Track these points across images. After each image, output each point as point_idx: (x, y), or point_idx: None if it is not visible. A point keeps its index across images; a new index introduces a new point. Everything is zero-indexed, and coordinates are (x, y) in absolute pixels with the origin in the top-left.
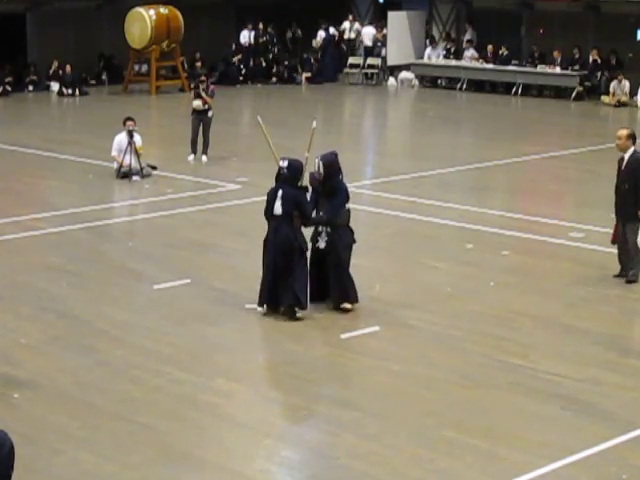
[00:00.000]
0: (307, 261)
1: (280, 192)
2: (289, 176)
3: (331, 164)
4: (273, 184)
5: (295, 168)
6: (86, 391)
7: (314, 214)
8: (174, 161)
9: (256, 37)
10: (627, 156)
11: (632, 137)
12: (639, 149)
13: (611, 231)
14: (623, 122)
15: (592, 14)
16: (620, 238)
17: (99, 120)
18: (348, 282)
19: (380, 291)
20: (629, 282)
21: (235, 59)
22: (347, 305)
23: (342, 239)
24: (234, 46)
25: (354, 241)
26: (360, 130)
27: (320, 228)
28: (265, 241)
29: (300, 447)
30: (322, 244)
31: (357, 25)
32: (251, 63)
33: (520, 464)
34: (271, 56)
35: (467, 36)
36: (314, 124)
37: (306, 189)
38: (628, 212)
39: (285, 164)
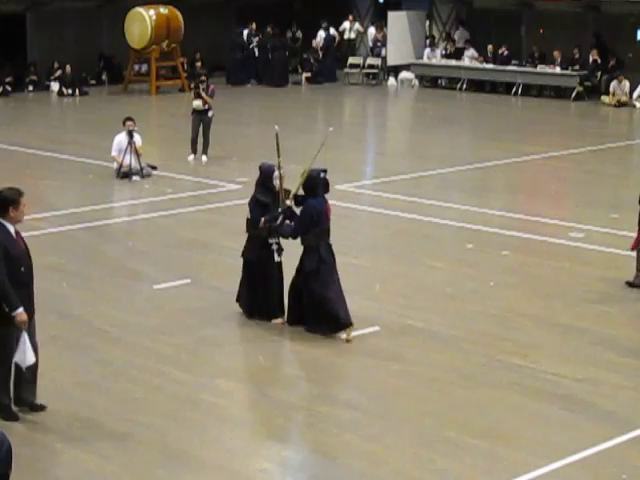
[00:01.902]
0: (261, 271)
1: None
2: (258, 177)
3: (309, 179)
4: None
5: (261, 169)
6: (86, 391)
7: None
8: (174, 161)
9: (248, 36)
10: None
11: None
12: None
13: (611, 231)
14: (623, 122)
15: (592, 14)
16: None
17: (99, 120)
18: (316, 311)
19: (380, 291)
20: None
21: (254, 40)
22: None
23: (304, 265)
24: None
25: (316, 269)
26: (360, 130)
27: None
28: None
29: (300, 447)
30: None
31: (357, 25)
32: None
33: (520, 464)
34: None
35: (457, 35)
36: (277, 128)
37: (258, 201)
38: None
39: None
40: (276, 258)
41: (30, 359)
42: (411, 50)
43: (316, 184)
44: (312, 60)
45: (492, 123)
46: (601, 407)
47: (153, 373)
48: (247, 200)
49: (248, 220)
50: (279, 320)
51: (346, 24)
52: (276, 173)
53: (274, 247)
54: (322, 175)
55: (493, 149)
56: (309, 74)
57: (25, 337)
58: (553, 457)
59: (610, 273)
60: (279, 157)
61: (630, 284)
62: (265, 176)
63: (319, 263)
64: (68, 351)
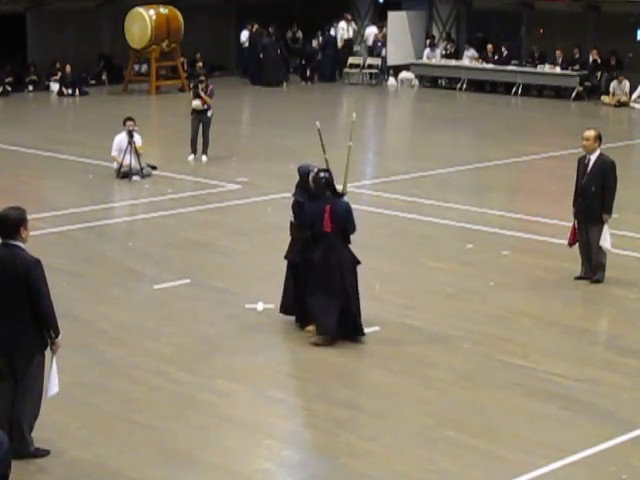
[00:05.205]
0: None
1: None
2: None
3: (305, 176)
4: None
5: (299, 171)
6: (86, 391)
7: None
8: (174, 161)
9: (250, 37)
10: (594, 158)
11: (599, 138)
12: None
13: (611, 231)
14: (623, 122)
15: (592, 14)
16: (583, 240)
17: (99, 120)
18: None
19: (380, 291)
20: (595, 282)
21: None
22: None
23: None
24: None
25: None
26: (360, 130)
27: None
28: None
29: (300, 447)
30: None
31: (354, 25)
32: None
33: (520, 464)
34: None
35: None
36: (318, 124)
37: (297, 202)
38: (593, 214)
39: None
40: None
41: (56, 388)
42: (411, 50)
43: (312, 184)
44: (312, 60)
45: (492, 123)
46: (601, 407)
47: (153, 373)
48: (247, 200)
49: (292, 223)
50: (312, 328)
51: (344, 24)
52: (311, 175)
53: None
54: (322, 175)
55: (493, 149)
56: (309, 74)
57: (55, 364)
58: (553, 457)
59: (610, 273)
60: (325, 153)
61: (579, 278)
62: (301, 178)
63: (310, 269)
64: (68, 351)
